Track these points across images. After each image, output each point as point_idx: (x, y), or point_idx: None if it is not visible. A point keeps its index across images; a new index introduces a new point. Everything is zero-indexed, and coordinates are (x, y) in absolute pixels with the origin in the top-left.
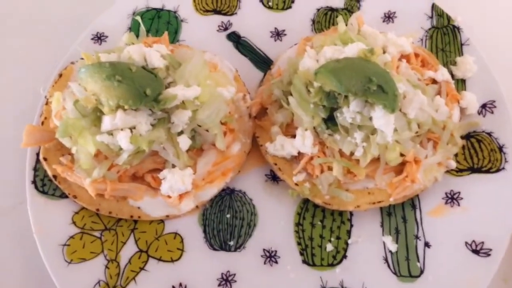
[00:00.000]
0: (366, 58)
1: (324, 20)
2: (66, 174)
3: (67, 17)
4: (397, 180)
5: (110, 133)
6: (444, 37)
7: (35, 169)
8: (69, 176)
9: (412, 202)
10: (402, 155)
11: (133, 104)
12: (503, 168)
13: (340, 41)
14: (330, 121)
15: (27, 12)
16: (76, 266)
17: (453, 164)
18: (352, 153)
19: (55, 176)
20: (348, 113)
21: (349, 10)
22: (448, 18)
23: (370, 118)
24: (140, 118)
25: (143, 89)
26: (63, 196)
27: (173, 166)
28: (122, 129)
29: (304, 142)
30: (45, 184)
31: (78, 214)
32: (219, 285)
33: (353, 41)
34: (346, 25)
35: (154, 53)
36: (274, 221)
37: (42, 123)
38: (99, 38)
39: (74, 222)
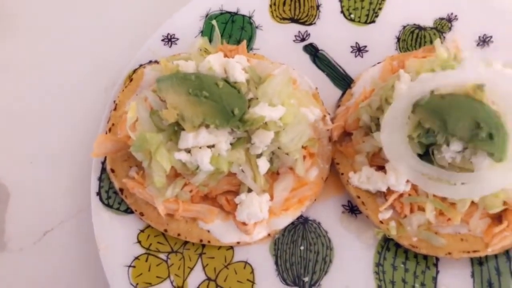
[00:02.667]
0: (473, 95)
1: (411, 38)
2: (137, 190)
3: (137, 17)
4: (499, 229)
5: (188, 150)
6: None
7: (100, 180)
8: (140, 193)
9: (507, 253)
10: (505, 202)
11: (220, 124)
12: None
13: (441, 68)
14: (423, 157)
15: (96, 11)
16: None
17: None
18: None
19: (121, 190)
20: (448, 153)
21: (438, 30)
22: None
23: (471, 162)
24: (221, 137)
25: (230, 107)
26: (129, 211)
27: (249, 189)
28: (200, 147)
29: (397, 179)
30: (110, 197)
31: (143, 232)
32: None
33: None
34: None
35: (236, 65)
36: (352, 258)
37: (110, 130)
38: (169, 40)
39: (139, 241)
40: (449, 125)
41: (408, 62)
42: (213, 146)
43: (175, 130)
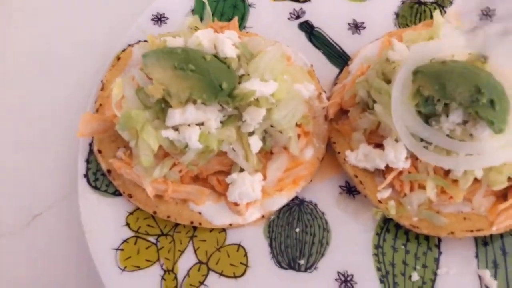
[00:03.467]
0: (477, 65)
1: (410, 14)
2: (124, 171)
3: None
4: (504, 207)
5: (176, 128)
6: None
7: (88, 161)
8: (127, 173)
9: None
10: (509, 178)
11: (207, 99)
12: None
13: (438, 37)
14: None
15: None
16: (130, 274)
17: None
18: (448, 171)
19: (109, 171)
20: (446, 123)
21: (439, 4)
22: None
23: (471, 135)
24: (209, 114)
25: (218, 82)
26: (117, 193)
27: (241, 169)
28: (189, 125)
29: (396, 155)
30: (98, 179)
31: (132, 215)
32: None
33: None
34: None
35: (226, 40)
36: (350, 240)
37: (97, 110)
38: (159, 19)
39: (128, 224)
40: (448, 90)
41: (405, 34)
42: (202, 124)
43: (162, 107)
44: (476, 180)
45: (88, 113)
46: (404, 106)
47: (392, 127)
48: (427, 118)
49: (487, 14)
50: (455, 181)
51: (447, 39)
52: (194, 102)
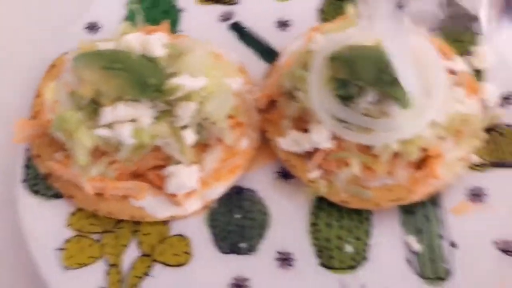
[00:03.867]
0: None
1: (331, 9)
2: (62, 171)
3: (61, 6)
4: (419, 175)
5: (109, 126)
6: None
7: (27, 167)
8: (65, 174)
9: (434, 200)
10: (424, 149)
11: (135, 95)
12: None
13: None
14: None
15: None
16: (74, 273)
17: (475, 159)
18: (369, 148)
19: (48, 175)
20: (362, 104)
21: None
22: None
23: (385, 112)
24: (141, 111)
25: (145, 78)
26: (58, 196)
27: (178, 162)
28: (122, 123)
29: (319, 136)
30: (38, 183)
31: (74, 215)
32: None
33: None
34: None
35: (155, 41)
36: (288, 221)
37: (34, 116)
38: (92, 27)
39: (70, 224)
40: (356, 71)
41: (322, 26)
42: (135, 120)
43: (95, 108)
44: (395, 154)
45: (22, 119)
46: (322, 91)
47: (315, 112)
48: (346, 100)
49: (401, 6)
50: (376, 157)
51: (356, 28)
52: (125, 99)
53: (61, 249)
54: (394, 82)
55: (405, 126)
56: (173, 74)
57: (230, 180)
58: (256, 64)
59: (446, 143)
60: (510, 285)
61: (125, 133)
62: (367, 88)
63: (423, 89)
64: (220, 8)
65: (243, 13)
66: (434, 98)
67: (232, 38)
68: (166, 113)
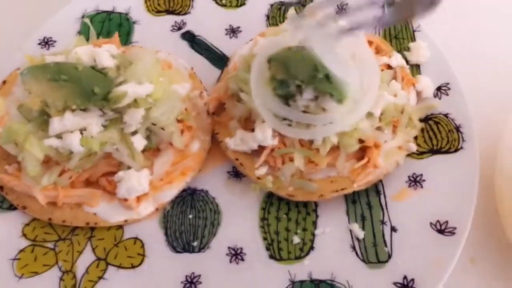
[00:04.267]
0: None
1: (278, 14)
2: (13, 183)
3: (11, 23)
4: (359, 165)
5: (59, 136)
6: (396, 25)
7: None
8: (16, 185)
9: (376, 188)
10: (362, 141)
11: (81, 104)
12: (461, 148)
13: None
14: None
15: None
16: (27, 281)
17: (413, 147)
18: (311, 142)
19: (1, 187)
20: (301, 101)
21: (303, 4)
22: None
23: (323, 108)
24: (90, 120)
25: (90, 87)
26: (12, 208)
27: (129, 168)
28: (71, 132)
29: (263, 134)
30: None
31: (29, 225)
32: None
33: None
34: None
35: (103, 52)
36: (239, 218)
37: None
38: (46, 42)
39: (24, 235)
40: (291, 70)
41: (267, 30)
42: (85, 129)
43: (45, 119)
44: (336, 147)
45: None
46: (264, 91)
47: (258, 111)
48: (286, 98)
49: (342, 8)
50: (318, 150)
51: (289, 32)
52: (72, 109)
53: (15, 259)
54: (327, 79)
55: (342, 119)
56: (121, 83)
57: (182, 182)
58: (208, 70)
59: (383, 134)
60: (444, 262)
61: (74, 142)
62: (304, 86)
63: (359, 84)
64: (173, 18)
65: (194, 22)
66: (368, 92)
67: (184, 46)
68: (115, 121)
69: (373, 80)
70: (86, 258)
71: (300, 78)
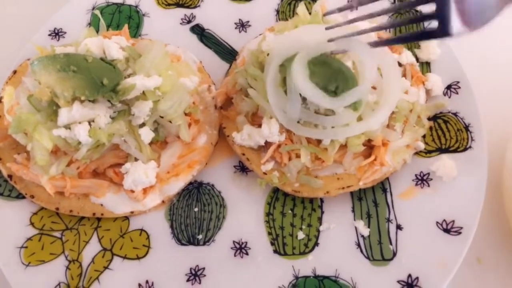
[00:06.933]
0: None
1: (288, 9)
2: (22, 172)
3: (24, 15)
4: (366, 163)
5: (68, 127)
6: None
7: None
8: (25, 174)
9: (383, 186)
10: (370, 140)
11: (90, 95)
12: (470, 147)
13: (303, 25)
14: None
15: None
16: (34, 269)
17: (421, 146)
18: (319, 141)
19: (10, 176)
20: (312, 103)
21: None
22: None
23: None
24: (98, 111)
25: (99, 79)
26: (20, 196)
27: (136, 160)
28: (80, 123)
29: (270, 130)
30: (0, 185)
31: (36, 214)
32: (188, 280)
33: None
34: (310, 13)
35: (112, 44)
36: (244, 212)
37: None
38: (57, 34)
39: (32, 223)
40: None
41: (276, 25)
42: (93, 120)
43: (54, 109)
44: (343, 146)
45: None
46: (278, 91)
47: (266, 108)
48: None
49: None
50: (325, 149)
51: (306, 31)
52: (81, 100)
53: (22, 247)
54: (344, 86)
55: (352, 125)
56: (130, 75)
57: (189, 176)
58: (216, 64)
59: (395, 132)
60: (450, 262)
61: (83, 133)
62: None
63: (379, 92)
64: (182, 11)
65: (204, 16)
66: (386, 103)
67: (193, 40)
68: (123, 113)
69: (393, 90)
70: (92, 248)
71: (318, 85)
